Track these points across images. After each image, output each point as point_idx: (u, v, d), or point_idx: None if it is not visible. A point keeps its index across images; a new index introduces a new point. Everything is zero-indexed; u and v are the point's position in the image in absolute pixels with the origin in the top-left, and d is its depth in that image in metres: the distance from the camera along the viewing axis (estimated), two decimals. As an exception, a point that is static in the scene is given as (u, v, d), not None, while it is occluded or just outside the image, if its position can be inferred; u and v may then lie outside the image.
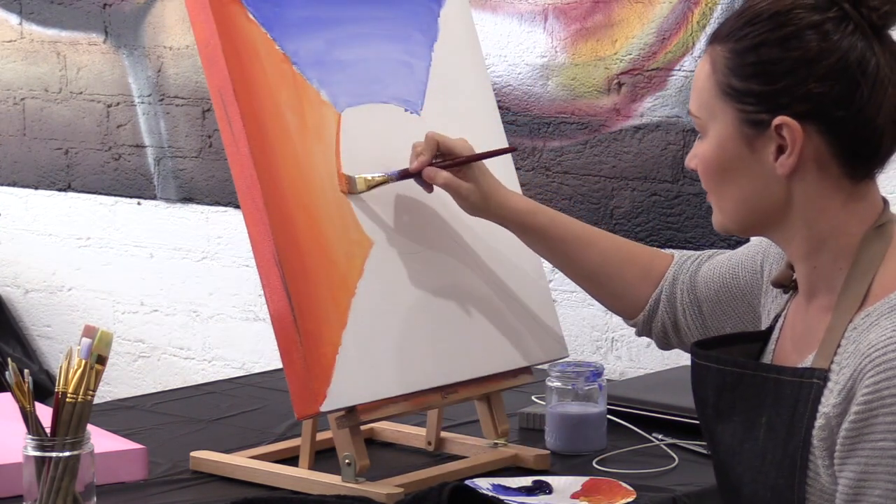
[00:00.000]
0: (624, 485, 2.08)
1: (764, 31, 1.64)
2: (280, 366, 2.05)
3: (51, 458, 1.82)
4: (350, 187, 2.08)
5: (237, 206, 3.81)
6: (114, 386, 4.18)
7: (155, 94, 4.06)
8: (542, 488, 2.07)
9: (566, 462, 2.25)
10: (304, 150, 2.05)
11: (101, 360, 1.84)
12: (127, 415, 2.54)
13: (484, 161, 2.13)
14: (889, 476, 1.53)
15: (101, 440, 2.06)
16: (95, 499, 1.87)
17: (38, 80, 4.31)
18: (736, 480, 1.70)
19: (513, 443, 2.27)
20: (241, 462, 2.17)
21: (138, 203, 4.15)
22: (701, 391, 1.74)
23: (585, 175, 3.30)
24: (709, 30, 3.08)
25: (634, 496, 2.04)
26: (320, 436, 2.16)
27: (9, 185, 4.41)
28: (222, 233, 3.98)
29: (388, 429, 2.35)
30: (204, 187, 3.99)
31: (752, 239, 1.98)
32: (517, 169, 2.34)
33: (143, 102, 4.09)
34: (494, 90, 2.50)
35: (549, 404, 2.32)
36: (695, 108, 1.71)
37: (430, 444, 2.29)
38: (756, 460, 1.67)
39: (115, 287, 4.24)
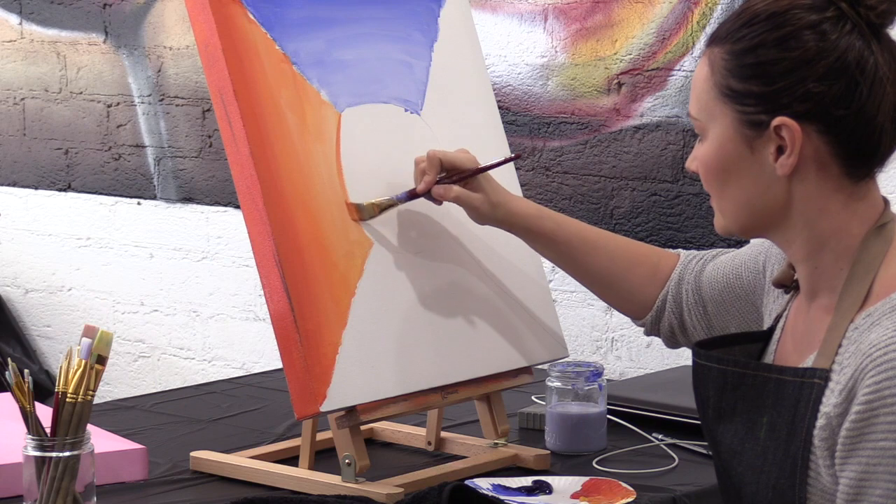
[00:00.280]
0: (624, 485, 2.07)
1: (762, 32, 1.64)
2: (280, 366, 2.05)
3: (51, 458, 1.82)
4: (360, 215, 2.08)
5: (237, 206, 3.81)
6: (114, 386, 4.18)
7: (155, 94, 4.06)
8: (542, 488, 2.07)
9: (566, 462, 2.25)
10: (304, 150, 2.05)
11: (101, 360, 1.84)
12: (127, 415, 2.54)
13: None
14: (890, 476, 1.53)
15: (101, 440, 2.06)
16: (95, 499, 1.87)
17: (38, 80, 4.31)
18: (737, 480, 1.70)
19: (513, 443, 2.27)
20: (241, 462, 2.17)
21: (138, 203, 4.14)
22: (702, 391, 1.74)
23: (585, 175, 3.30)
24: (709, 30, 3.08)
25: (634, 496, 2.04)
26: (320, 436, 2.16)
27: (9, 185, 4.41)
28: (222, 233, 3.98)
29: (388, 429, 2.35)
30: (204, 187, 3.99)
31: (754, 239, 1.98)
32: (517, 169, 2.34)
33: (143, 102, 4.09)
34: (494, 90, 2.50)
35: (549, 404, 2.32)
36: (694, 110, 1.71)
37: (430, 444, 2.29)
38: (757, 460, 1.67)
39: (115, 287, 4.24)
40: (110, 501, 2.04)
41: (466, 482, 2.00)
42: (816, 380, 1.61)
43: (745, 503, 1.68)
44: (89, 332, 1.83)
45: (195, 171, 4.00)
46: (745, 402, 1.69)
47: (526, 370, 2.25)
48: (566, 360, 2.31)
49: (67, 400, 1.83)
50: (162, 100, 4.05)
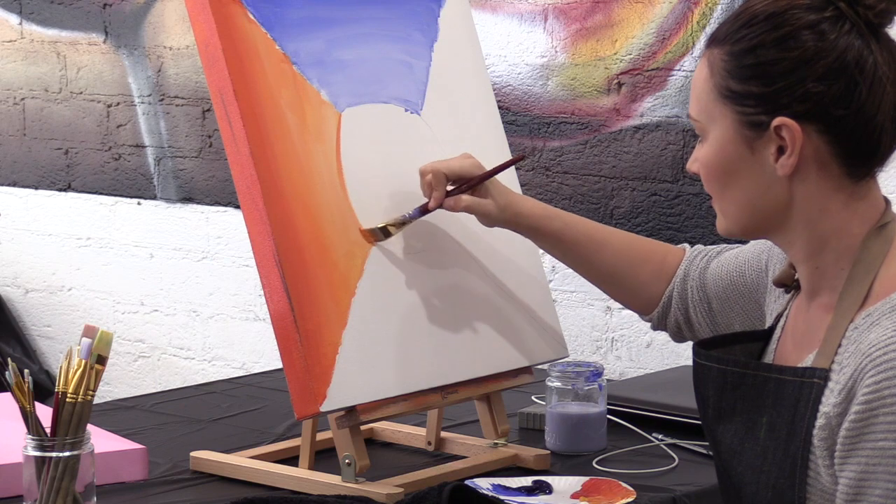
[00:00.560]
0: (624, 485, 2.07)
1: (761, 33, 1.64)
2: (280, 366, 2.05)
3: (51, 458, 1.82)
4: (375, 238, 2.08)
5: (237, 206, 3.81)
6: (114, 386, 4.18)
7: (155, 94, 4.06)
8: (542, 488, 2.07)
9: (566, 462, 2.25)
10: (304, 150, 2.05)
11: (101, 360, 1.84)
12: (127, 415, 2.54)
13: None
14: (889, 476, 1.53)
15: (101, 440, 2.06)
16: (95, 499, 1.87)
17: (38, 80, 4.31)
18: (737, 480, 1.70)
19: (513, 443, 2.27)
20: (241, 462, 2.17)
21: (138, 203, 4.14)
22: (702, 391, 1.74)
23: (585, 175, 3.30)
24: (709, 30, 3.08)
25: (634, 496, 2.04)
26: (320, 436, 2.16)
27: (9, 185, 4.41)
28: (222, 233, 3.98)
29: (388, 429, 2.35)
30: (204, 187, 3.99)
31: None
32: (517, 169, 2.34)
33: (143, 102, 4.09)
34: (494, 90, 2.50)
35: (549, 404, 2.32)
36: (694, 112, 1.71)
37: (430, 444, 2.29)
38: (757, 460, 1.67)
39: (115, 287, 4.24)
40: (110, 501, 2.04)
41: (466, 482, 2.00)
42: (816, 379, 1.61)
43: (745, 503, 1.69)
44: (89, 332, 1.83)
45: (195, 171, 4.00)
46: (744, 402, 1.69)
47: (526, 370, 2.25)
48: (566, 360, 2.31)
49: (67, 400, 1.83)
50: (162, 100, 4.05)
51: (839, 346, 1.61)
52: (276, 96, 2.05)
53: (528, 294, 2.26)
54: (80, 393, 1.83)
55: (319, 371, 1.98)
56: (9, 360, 1.91)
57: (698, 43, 3.11)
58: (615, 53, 3.22)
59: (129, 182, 4.15)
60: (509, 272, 2.24)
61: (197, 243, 4.04)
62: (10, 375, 1.82)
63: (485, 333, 2.18)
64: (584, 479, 2.11)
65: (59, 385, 1.83)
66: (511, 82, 3.36)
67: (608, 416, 2.34)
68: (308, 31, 2.12)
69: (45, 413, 1.86)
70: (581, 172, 3.30)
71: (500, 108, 2.40)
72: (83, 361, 1.83)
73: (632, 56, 3.20)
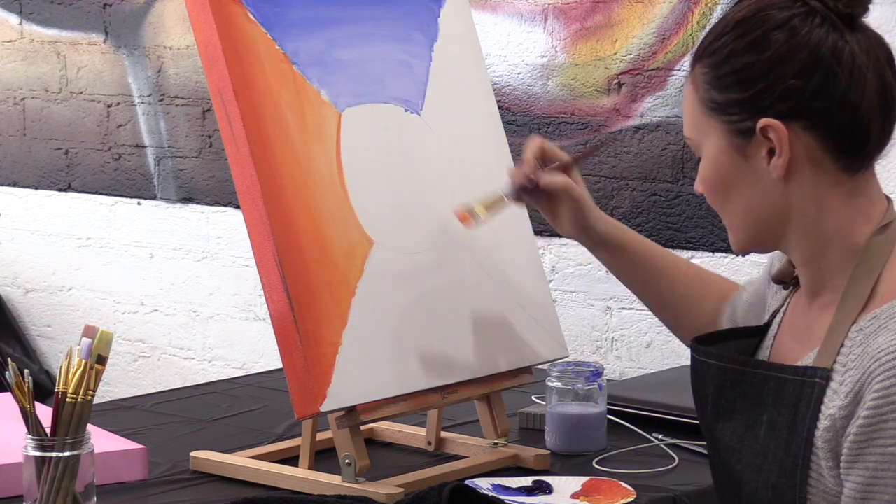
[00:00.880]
0: (624, 485, 2.07)
1: (733, 40, 1.65)
2: (280, 366, 2.05)
3: (51, 458, 1.82)
4: (476, 220, 2.05)
5: (237, 206, 3.81)
6: (114, 386, 4.18)
7: (155, 94, 4.06)
8: (542, 488, 2.07)
9: (566, 462, 2.25)
10: (304, 150, 2.05)
11: (101, 360, 1.84)
12: (127, 415, 2.54)
13: (479, 170, 2.11)
14: (897, 481, 1.53)
15: (101, 440, 2.06)
16: (95, 499, 1.87)
17: (38, 80, 4.31)
18: (736, 478, 1.69)
19: (513, 443, 2.27)
20: (241, 462, 2.17)
21: (138, 203, 4.14)
22: (701, 389, 1.74)
23: (585, 175, 3.27)
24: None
25: (634, 496, 2.04)
26: (320, 436, 2.16)
27: (9, 185, 4.41)
28: (222, 233, 3.98)
29: (388, 429, 2.35)
30: (204, 187, 3.99)
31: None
32: (517, 169, 2.34)
33: (143, 102, 4.09)
34: (494, 90, 2.50)
35: (549, 404, 2.32)
36: (687, 131, 1.72)
37: (430, 444, 2.29)
38: (757, 459, 1.66)
39: (115, 287, 4.24)
40: (110, 501, 2.04)
41: (466, 482, 2.00)
42: (818, 379, 1.61)
43: (744, 501, 1.68)
44: (89, 332, 1.83)
45: (195, 171, 4.00)
46: (744, 400, 1.69)
47: (526, 370, 2.25)
48: (566, 360, 2.31)
49: (67, 400, 1.83)
50: (162, 100, 4.05)
51: (841, 346, 1.61)
52: (276, 96, 2.05)
53: (528, 294, 2.26)
54: (80, 393, 1.83)
55: (319, 371, 1.98)
56: (9, 360, 1.91)
57: (698, 43, 3.11)
58: (615, 53, 3.22)
59: (129, 182, 4.15)
60: (509, 272, 2.24)
61: (197, 243, 4.04)
62: (10, 375, 1.82)
63: (485, 333, 2.18)
64: (584, 479, 2.11)
65: (59, 385, 1.83)
66: (511, 82, 3.36)
67: (608, 416, 2.34)
68: (308, 31, 2.12)
69: (45, 413, 1.86)
70: (581, 172, 3.30)
71: (500, 108, 2.40)
72: (83, 361, 1.83)
73: (632, 56, 3.20)
